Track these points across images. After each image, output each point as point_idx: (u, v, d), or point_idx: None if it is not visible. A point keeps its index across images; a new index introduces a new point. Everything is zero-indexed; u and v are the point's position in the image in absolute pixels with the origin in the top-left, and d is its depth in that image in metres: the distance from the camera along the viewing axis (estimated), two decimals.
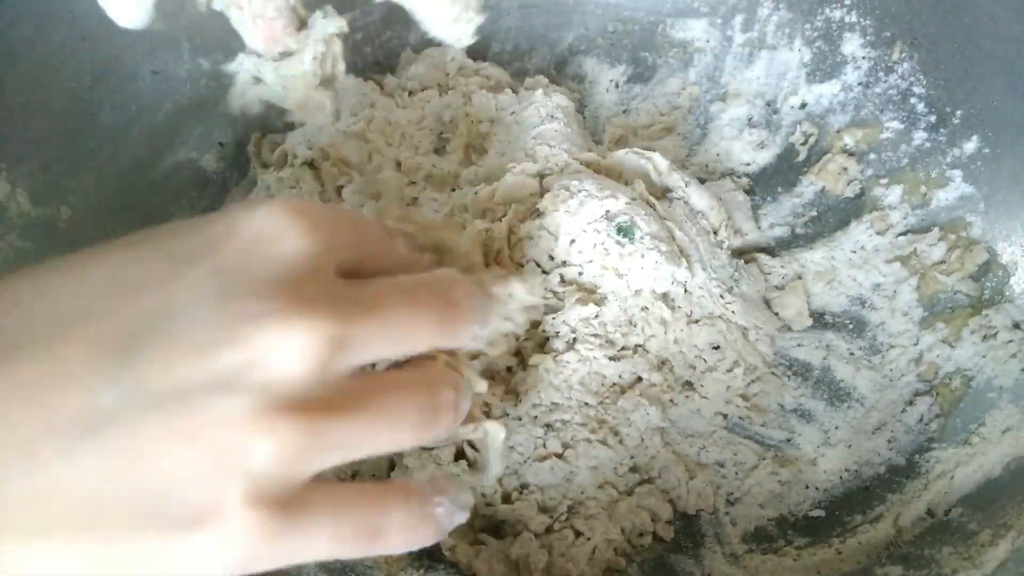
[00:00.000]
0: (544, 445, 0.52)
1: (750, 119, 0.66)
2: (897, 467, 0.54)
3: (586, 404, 0.53)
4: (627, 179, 0.59)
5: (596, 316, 0.54)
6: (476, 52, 0.67)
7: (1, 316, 0.22)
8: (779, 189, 0.65)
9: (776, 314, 0.60)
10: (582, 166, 0.58)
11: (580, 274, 0.55)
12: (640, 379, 0.54)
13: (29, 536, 0.21)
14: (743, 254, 0.62)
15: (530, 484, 0.52)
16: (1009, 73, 0.55)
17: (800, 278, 0.60)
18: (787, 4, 0.64)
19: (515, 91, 0.65)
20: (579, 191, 0.54)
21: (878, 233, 0.60)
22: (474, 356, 0.47)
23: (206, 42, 0.58)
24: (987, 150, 0.57)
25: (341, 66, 0.35)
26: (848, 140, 0.63)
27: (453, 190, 0.60)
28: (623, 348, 0.54)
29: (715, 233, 0.60)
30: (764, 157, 0.65)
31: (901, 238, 0.59)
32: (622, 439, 0.53)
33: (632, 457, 0.53)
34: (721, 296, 0.56)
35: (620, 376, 0.54)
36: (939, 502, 0.51)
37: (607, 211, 0.54)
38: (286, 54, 0.35)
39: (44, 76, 0.52)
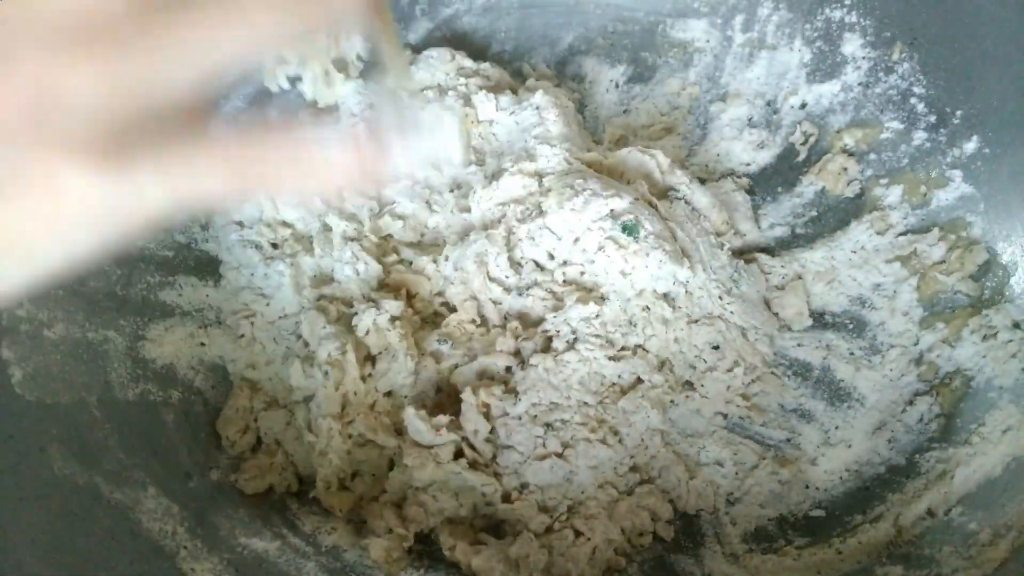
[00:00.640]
0: (544, 444, 0.52)
1: (750, 119, 0.66)
2: (897, 467, 0.54)
3: (586, 404, 0.53)
4: (629, 179, 0.59)
5: (597, 316, 0.54)
6: (476, 52, 0.67)
7: None
8: (779, 189, 0.65)
9: (776, 314, 0.60)
10: (584, 166, 0.58)
11: (582, 273, 0.55)
12: (640, 380, 0.54)
13: None
14: (743, 254, 0.62)
15: (530, 484, 0.51)
16: (1009, 73, 0.55)
17: (800, 278, 0.60)
18: (787, 4, 0.64)
19: (515, 91, 0.65)
20: (583, 190, 0.55)
21: (878, 233, 0.60)
22: None
23: None
24: (987, 150, 0.57)
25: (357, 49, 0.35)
26: (848, 140, 0.63)
27: (452, 190, 0.60)
28: (623, 348, 0.54)
29: (716, 234, 0.60)
30: (764, 157, 0.65)
31: (901, 238, 0.59)
32: (622, 439, 0.53)
33: (632, 457, 0.53)
34: (720, 297, 0.56)
35: (620, 376, 0.54)
36: (939, 502, 0.51)
37: (612, 210, 0.54)
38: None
39: None
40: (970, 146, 0.58)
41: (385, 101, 0.26)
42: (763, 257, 0.61)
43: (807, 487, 0.54)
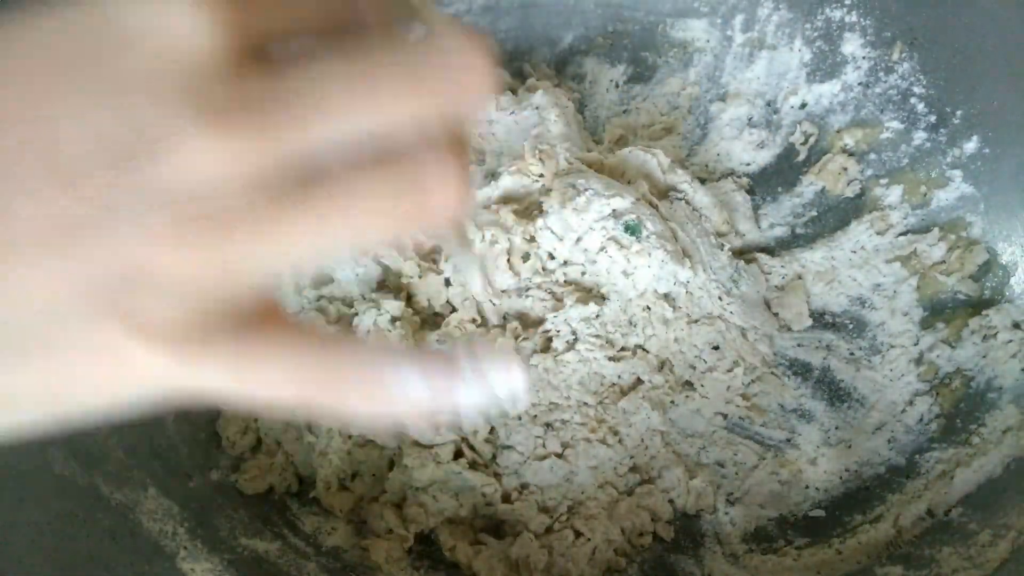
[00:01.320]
0: (544, 444, 0.52)
1: (750, 119, 0.66)
2: (897, 467, 0.54)
3: (585, 404, 0.53)
4: (629, 179, 0.59)
5: (597, 316, 0.54)
6: None
7: None
8: (779, 189, 0.65)
9: (776, 314, 0.60)
10: (584, 166, 0.58)
11: (583, 273, 0.55)
12: (640, 381, 0.54)
13: None
14: (743, 254, 0.62)
15: (530, 484, 0.52)
16: (1009, 73, 0.55)
17: (800, 278, 0.60)
18: (787, 4, 0.64)
19: (515, 91, 0.65)
20: (585, 189, 0.55)
21: (878, 233, 0.60)
22: None
23: None
24: (987, 150, 0.57)
25: None
26: (848, 140, 0.63)
27: None
28: (623, 348, 0.54)
29: (717, 235, 0.60)
30: (764, 157, 0.65)
31: (901, 238, 0.59)
32: (622, 439, 0.53)
33: (632, 457, 0.53)
34: (720, 297, 0.56)
35: (620, 377, 0.54)
36: (939, 502, 0.51)
37: (614, 209, 0.54)
38: None
39: None
40: (970, 146, 0.57)
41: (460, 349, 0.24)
42: (763, 257, 0.61)
43: (807, 487, 0.54)
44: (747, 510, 0.54)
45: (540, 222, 0.55)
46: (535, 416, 0.52)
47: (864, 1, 0.61)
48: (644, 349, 0.55)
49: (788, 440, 0.56)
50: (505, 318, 0.56)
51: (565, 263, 0.55)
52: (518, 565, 0.50)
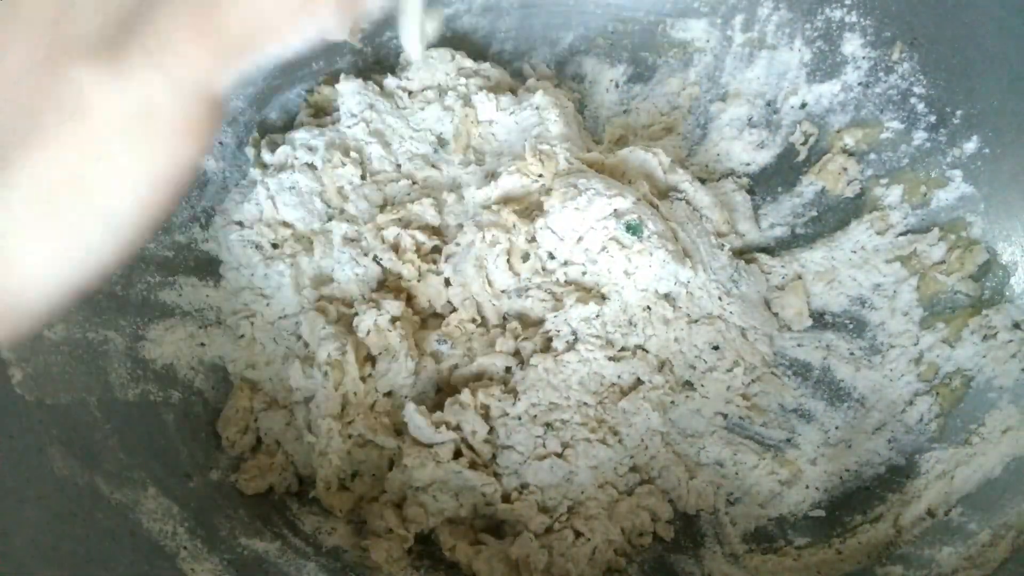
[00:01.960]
0: (544, 444, 0.52)
1: (750, 119, 0.66)
2: (897, 467, 0.54)
3: (585, 404, 0.53)
4: (630, 178, 0.59)
5: (597, 316, 0.54)
6: (476, 52, 0.67)
7: None
8: (779, 189, 0.65)
9: (776, 314, 0.60)
10: (585, 166, 0.58)
11: (583, 273, 0.55)
12: (640, 381, 0.54)
13: None
14: (743, 254, 0.62)
15: (530, 484, 0.51)
16: (1009, 73, 0.55)
17: (800, 278, 0.60)
18: (787, 4, 0.64)
19: (515, 91, 0.65)
20: (587, 189, 0.55)
21: (878, 233, 0.60)
22: None
23: None
24: (987, 150, 0.57)
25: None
26: (848, 140, 0.63)
27: (452, 191, 0.60)
28: (623, 349, 0.54)
29: (717, 235, 0.60)
30: (764, 157, 0.65)
31: (901, 238, 0.59)
32: (622, 439, 0.53)
33: (632, 457, 0.53)
34: (720, 297, 0.56)
35: (620, 377, 0.54)
36: (939, 502, 0.51)
37: (615, 209, 0.54)
38: None
39: None
40: (970, 146, 0.57)
41: None
42: (763, 257, 0.61)
43: (807, 487, 0.54)
44: (747, 510, 0.54)
45: (541, 222, 0.55)
46: (535, 416, 0.52)
47: (864, 1, 0.61)
48: (644, 349, 0.55)
49: (788, 440, 0.56)
50: (505, 318, 0.56)
51: (565, 263, 0.55)
52: (518, 565, 0.50)
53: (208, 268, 0.58)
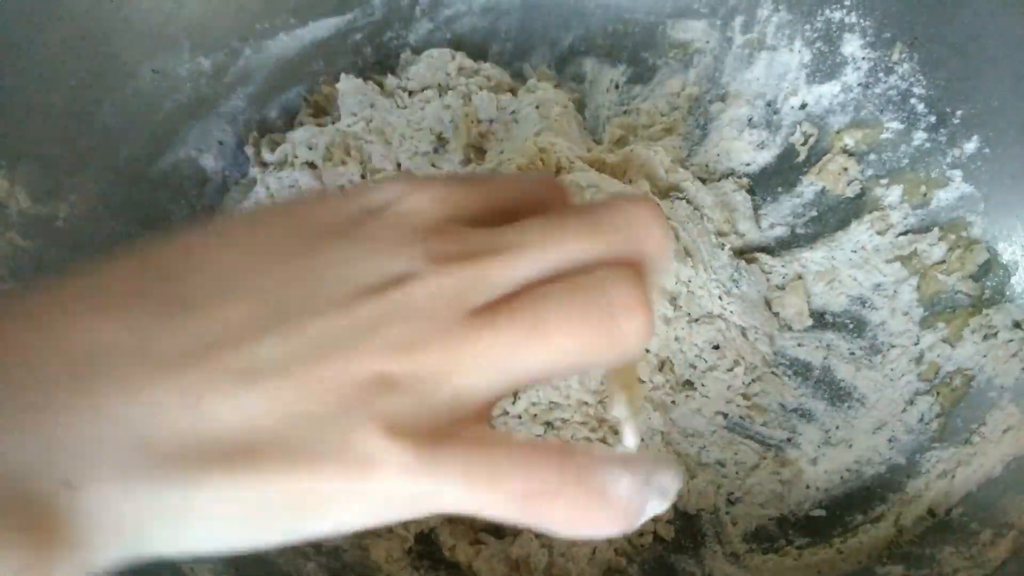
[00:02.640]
0: None
1: (750, 119, 0.66)
2: (898, 467, 0.54)
3: (585, 403, 0.53)
4: (631, 177, 0.59)
5: None
6: (476, 52, 0.67)
7: (158, 283, 0.24)
8: (779, 189, 0.65)
9: (776, 314, 0.60)
10: (586, 164, 0.58)
11: None
12: (641, 381, 0.54)
13: (188, 471, 0.22)
14: (743, 254, 0.62)
15: None
16: (1009, 73, 0.55)
17: (800, 278, 0.60)
18: (787, 5, 0.64)
19: (515, 92, 0.65)
20: (589, 186, 0.55)
21: (878, 233, 0.60)
22: None
23: (206, 41, 0.58)
24: (987, 150, 0.57)
25: None
26: (848, 140, 0.63)
27: None
28: None
29: (718, 234, 0.60)
30: (764, 157, 0.66)
31: (901, 238, 0.59)
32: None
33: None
34: (720, 297, 0.56)
35: None
36: (940, 502, 0.51)
37: None
38: None
39: (44, 75, 0.52)
40: (970, 146, 0.58)
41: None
42: (763, 257, 0.61)
43: (808, 487, 0.54)
44: (748, 510, 0.54)
45: None
46: (535, 415, 0.52)
47: (864, 2, 0.61)
48: (644, 348, 0.55)
49: (789, 440, 0.56)
50: None
51: None
52: (518, 565, 0.49)
53: None
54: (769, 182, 0.65)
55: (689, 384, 0.56)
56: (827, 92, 0.64)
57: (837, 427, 0.56)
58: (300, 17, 0.62)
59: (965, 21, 0.56)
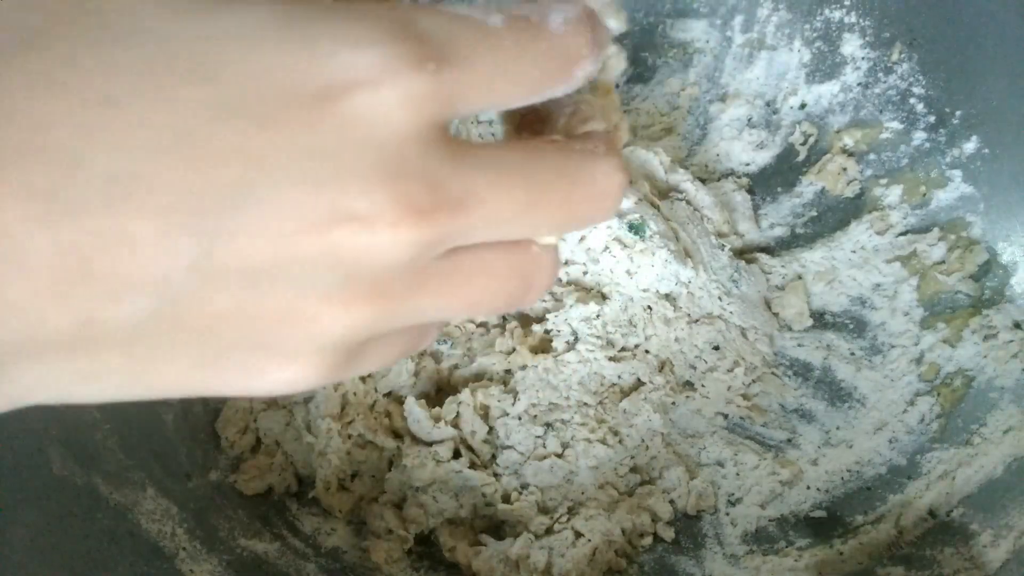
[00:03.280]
0: (544, 445, 0.52)
1: (750, 119, 0.66)
2: (898, 467, 0.54)
3: (585, 404, 0.53)
4: (631, 178, 0.59)
5: (597, 316, 0.54)
6: None
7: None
8: (779, 189, 0.65)
9: (776, 314, 0.60)
10: None
11: (584, 273, 0.55)
12: (641, 382, 0.54)
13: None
14: (743, 254, 0.62)
15: (530, 484, 0.51)
16: (1009, 73, 0.55)
17: (800, 278, 0.60)
18: (787, 5, 0.64)
19: None
20: None
21: (878, 233, 0.60)
22: None
23: None
24: (987, 150, 0.57)
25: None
26: (848, 140, 0.63)
27: None
28: (623, 349, 0.54)
29: (717, 235, 0.60)
30: (764, 157, 0.65)
31: (901, 238, 0.59)
32: (622, 439, 0.53)
33: (632, 457, 0.53)
34: (720, 298, 0.56)
35: (620, 377, 0.54)
36: (941, 503, 0.51)
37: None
38: None
39: None
40: (970, 146, 0.57)
41: None
42: (763, 257, 0.61)
43: (808, 487, 0.54)
44: (748, 510, 0.54)
45: None
46: (535, 416, 0.52)
47: (863, 2, 0.61)
48: (645, 350, 0.55)
49: (789, 440, 0.56)
50: (505, 318, 0.56)
51: (566, 263, 0.55)
52: (518, 565, 0.49)
53: None
54: (769, 182, 0.65)
55: (689, 385, 0.56)
56: (827, 92, 0.64)
57: (837, 428, 0.56)
58: None
59: (965, 21, 0.56)
